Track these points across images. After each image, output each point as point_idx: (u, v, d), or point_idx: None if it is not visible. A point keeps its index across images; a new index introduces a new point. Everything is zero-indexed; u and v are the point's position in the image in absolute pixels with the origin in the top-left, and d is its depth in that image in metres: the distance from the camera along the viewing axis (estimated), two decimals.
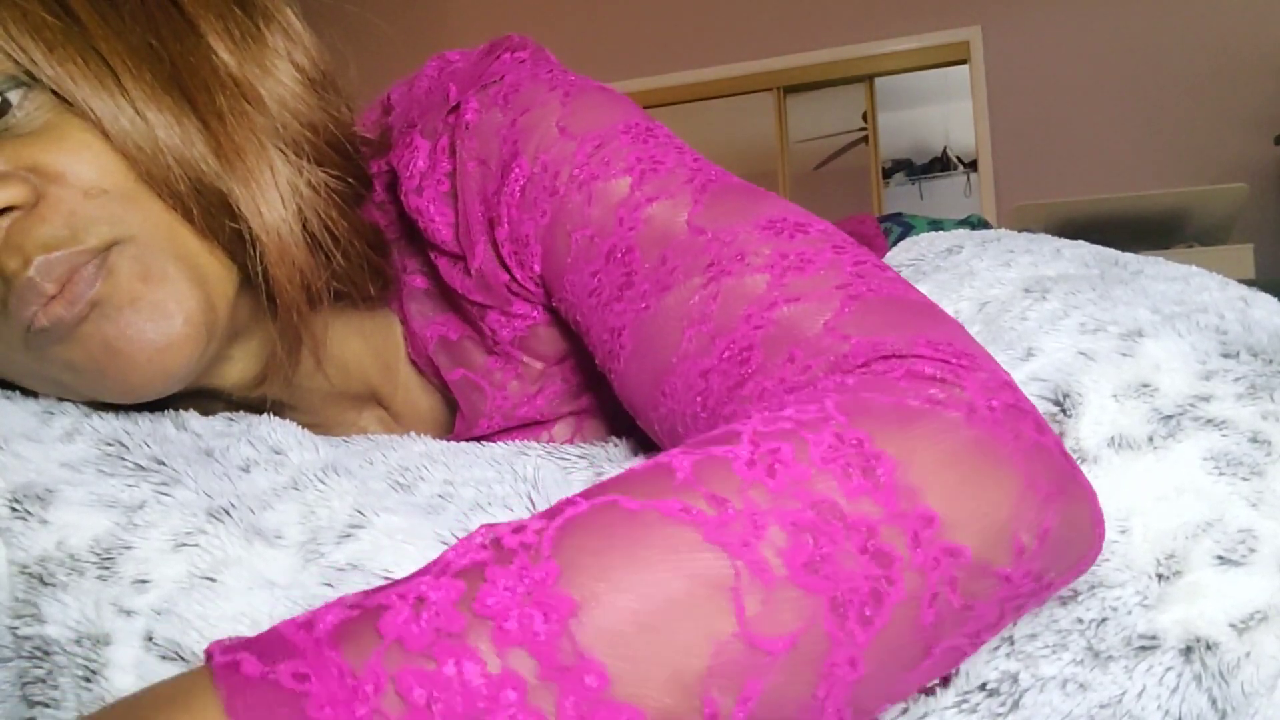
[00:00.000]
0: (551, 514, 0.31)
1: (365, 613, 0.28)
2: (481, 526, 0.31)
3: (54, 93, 0.43)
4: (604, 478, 0.51)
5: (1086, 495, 0.36)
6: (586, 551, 0.29)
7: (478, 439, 0.61)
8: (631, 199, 0.47)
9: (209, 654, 0.29)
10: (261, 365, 0.52)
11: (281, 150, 0.48)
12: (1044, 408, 0.43)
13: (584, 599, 0.28)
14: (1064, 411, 0.42)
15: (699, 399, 0.42)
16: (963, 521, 0.32)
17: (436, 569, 0.30)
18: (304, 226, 0.48)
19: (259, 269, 0.47)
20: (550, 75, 0.53)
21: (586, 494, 0.32)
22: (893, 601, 0.31)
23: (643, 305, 0.45)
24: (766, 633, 0.29)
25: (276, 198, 0.47)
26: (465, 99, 0.53)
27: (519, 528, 0.30)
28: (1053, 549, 0.34)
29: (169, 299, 0.45)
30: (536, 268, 0.52)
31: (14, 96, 0.43)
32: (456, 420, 0.62)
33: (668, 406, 0.45)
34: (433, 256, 0.56)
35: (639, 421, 0.49)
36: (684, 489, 0.31)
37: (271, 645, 0.28)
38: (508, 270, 0.53)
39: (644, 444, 0.56)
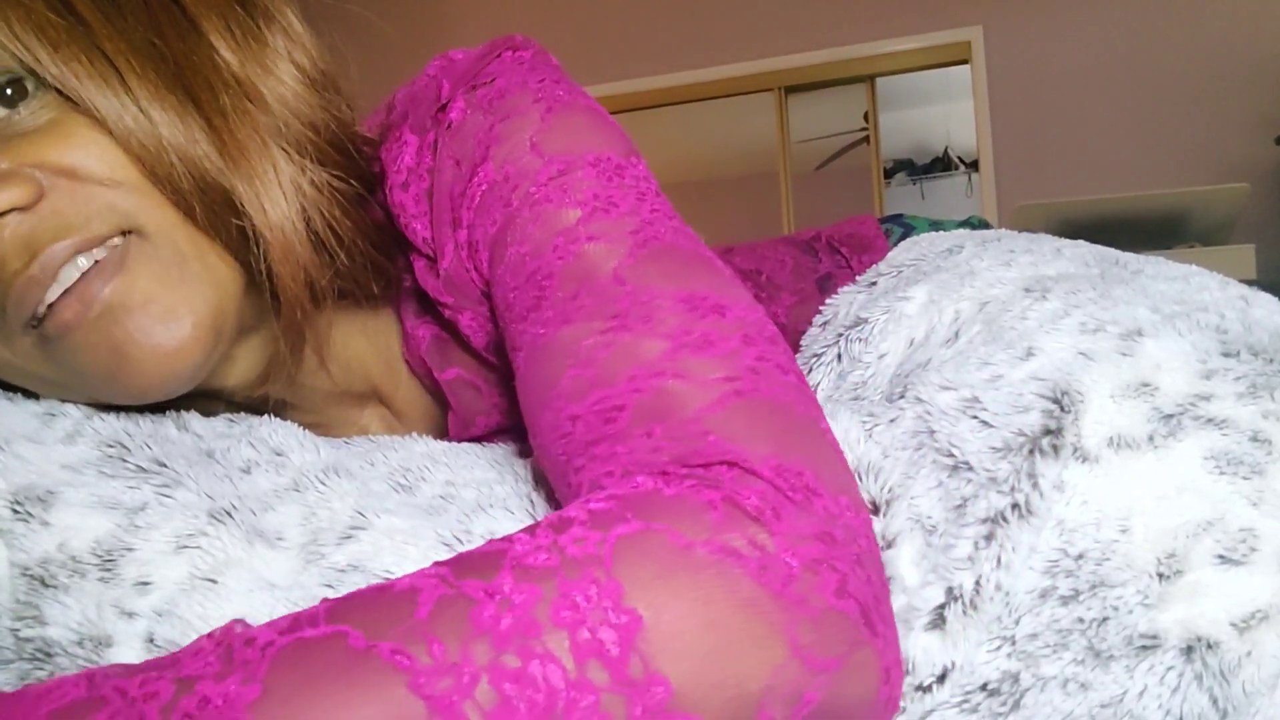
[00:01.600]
0: (292, 627, 0.31)
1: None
2: (231, 620, 0.32)
3: (58, 91, 0.44)
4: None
5: (878, 666, 0.35)
6: (294, 683, 0.29)
7: (477, 438, 0.61)
8: (573, 231, 0.46)
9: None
10: (265, 364, 0.52)
11: (284, 149, 0.48)
12: (1042, 405, 0.43)
13: None
14: (1063, 410, 0.42)
15: (562, 442, 0.42)
16: (700, 696, 0.31)
17: (171, 665, 0.31)
18: (307, 224, 0.48)
19: (263, 267, 0.47)
20: (540, 84, 0.52)
21: (331, 612, 0.32)
22: None
23: (540, 330, 0.45)
24: None
25: (280, 195, 0.47)
26: (453, 99, 0.53)
27: (250, 639, 0.31)
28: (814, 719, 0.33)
29: (181, 302, 0.45)
30: (485, 273, 0.52)
31: (15, 92, 0.43)
32: (449, 419, 0.62)
33: (539, 440, 0.45)
34: (411, 257, 0.56)
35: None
36: (411, 630, 0.30)
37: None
38: (468, 272, 0.53)
39: None
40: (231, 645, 0.31)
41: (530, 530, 0.35)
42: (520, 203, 0.48)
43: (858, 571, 0.35)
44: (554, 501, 0.48)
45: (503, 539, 0.34)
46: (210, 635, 0.31)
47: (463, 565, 0.33)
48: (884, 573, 0.38)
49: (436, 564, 0.34)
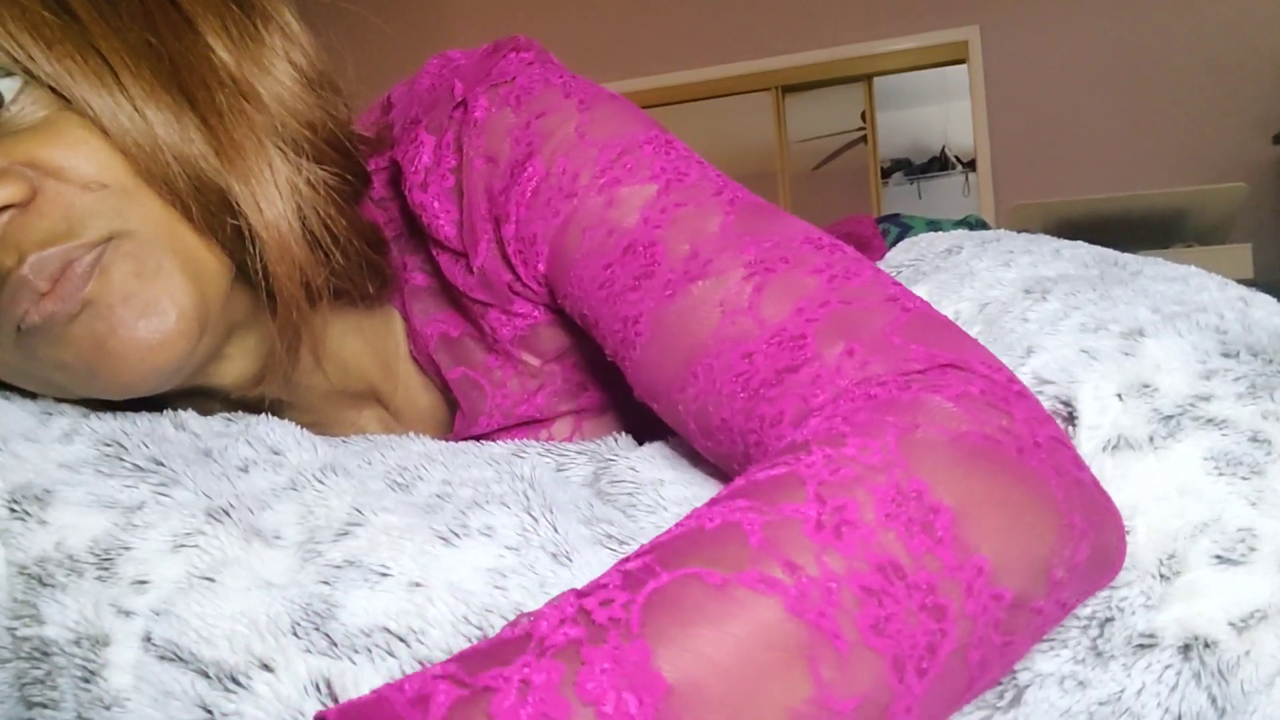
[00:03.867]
0: (632, 583, 0.32)
1: (475, 694, 0.29)
2: (568, 593, 0.32)
3: (52, 89, 0.43)
4: (607, 474, 0.51)
5: (1115, 525, 0.38)
6: (675, 628, 0.30)
7: (477, 438, 0.61)
8: (657, 203, 0.48)
9: (322, 718, 0.30)
10: (260, 364, 0.52)
11: (280, 148, 0.48)
12: (1047, 406, 0.43)
13: (676, 679, 0.29)
14: (1066, 409, 0.42)
15: (740, 379, 0.43)
16: (1009, 565, 0.34)
17: (535, 645, 0.30)
18: (303, 224, 0.48)
19: (258, 266, 0.47)
20: (563, 81, 0.53)
21: (662, 559, 0.32)
22: (945, 652, 0.32)
23: (667, 293, 0.46)
24: (839, 695, 0.31)
25: (275, 195, 0.47)
26: (473, 96, 0.53)
27: (605, 599, 0.31)
28: (1080, 579, 0.36)
29: (163, 295, 0.45)
30: (541, 267, 0.52)
31: (6, 88, 0.43)
32: (456, 419, 0.62)
33: (698, 387, 0.45)
34: (435, 253, 0.56)
35: (657, 406, 0.49)
36: (760, 557, 0.32)
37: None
38: (511, 268, 0.53)
39: (644, 440, 0.56)
40: (588, 611, 0.31)
41: (809, 456, 0.35)
42: (586, 190, 0.49)
43: (1075, 449, 0.39)
44: (553, 500, 0.48)
45: (779, 464, 0.36)
46: (540, 615, 0.31)
47: (760, 491, 0.34)
48: None
49: (722, 502, 0.35)
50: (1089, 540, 0.36)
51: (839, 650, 0.31)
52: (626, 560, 0.33)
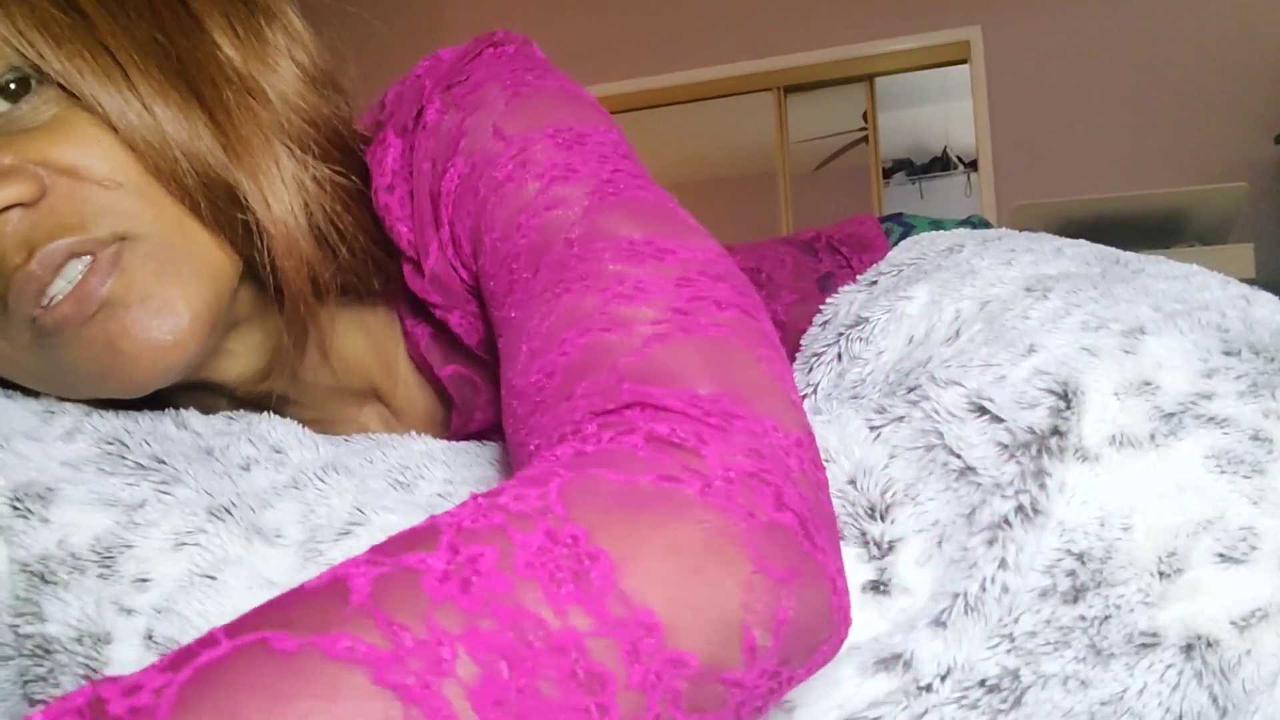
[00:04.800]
0: (179, 662, 0.25)
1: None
2: (88, 683, 0.26)
3: (61, 87, 0.44)
4: None
5: (825, 575, 0.33)
6: (218, 715, 0.24)
7: (477, 435, 0.61)
8: (533, 204, 0.46)
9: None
10: (267, 359, 0.53)
11: (286, 145, 0.48)
12: (1049, 401, 0.43)
13: None
14: (1068, 406, 0.42)
15: (511, 422, 0.41)
16: (688, 623, 0.29)
17: None
18: (309, 219, 0.48)
19: (266, 260, 0.47)
20: (512, 73, 0.51)
21: (230, 629, 0.26)
22: None
23: (512, 315, 0.44)
24: None
25: (283, 190, 0.47)
26: (429, 99, 0.53)
27: (133, 686, 0.24)
28: (789, 640, 0.32)
29: (178, 296, 0.45)
30: (472, 267, 0.51)
31: (19, 87, 0.43)
32: (453, 416, 0.62)
33: (506, 425, 0.43)
34: (400, 260, 0.56)
35: None
36: (356, 617, 0.26)
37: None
38: (454, 270, 0.53)
39: None
40: (103, 701, 0.24)
41: (458, 507, 0.31)
42: (487, 189, 0.48)
43: (789, 485, 0.34)
44: None
45: (426, 520, 0.31)
46: (57, 704, 0.25)
47: (391, 545, 0.29)
48: (823, 491, 0.36)
49: (348, 560, 0.29)
50: (791, 590, 0.31)
51: None
52: (186, 645, 0.27)
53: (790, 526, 0.33)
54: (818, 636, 0.33)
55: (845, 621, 0.35)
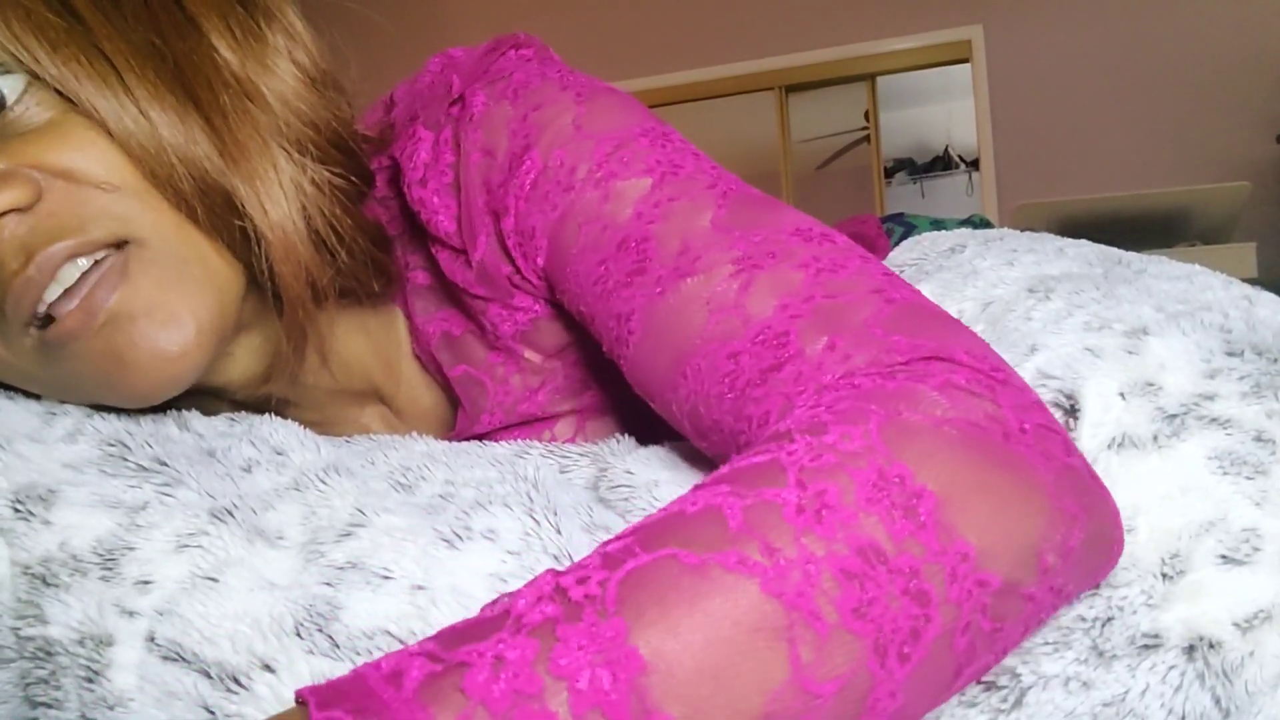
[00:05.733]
0: (611, 563, 0.32)
1: (448, 669, 0.29)
2: (546, 572, 0.32)
3: (57, 92, 0.43)
4: (605, 478, 0.51)
5: (1110, 512, 0.38)
6: (651, 606, 0.30)
7: (480, 436, 0.61)
8: (652, 197, 0.48)
9: (301, 699, 0.29)
10: (267, 363, 0.53)
11: (284, 148, 0.48)
12: (1049, 401, 0.43)
13: (651, 656, 0.29)
14: (1070, 407, 0.42)
15: (726, 380, 0.43)
16: (995, 551, 0.33)
17: (510, 622, 0.30)
18: (308, 224, 0.48)
19: (264, 266, 0.47)
20: (560, 75, 0.53)
21: (643, 541, 0.32)
22: (930, 637, 0.32)
23: (657, 290, 0.46)
24: (818, 677, 0.30)
25: (280, 195, 0.47)
26: (471, 92, 0.53)
27: (582, 577, 0.31)
28: (1075, 564, 0.36)
29: (183, 307, 0.45)
30: (540, 261, 0.52)
31: (8, 87, 0.43)
32: (458, 417, 0.62)
33: (688, 388, 0.45)
34: (434, 250, 0.56)
35: (654, 405, 0.49)
36: (739, 539, 0.32)
37: (364, 701, 0.29)
38: (511, 262, 0.53)
39: (647, 441, 0.56)
40: (564, 589, 0.31)
41: (792, 443, 0.35)
42: (583, 184, 0.49)
43: (1066, 434, 0.38)
44: (556, 503, 0.48)
45: (760, 452, 0.35)
46: (518, 594, 0.31)
47: (742, 478, 0.34)
48: None
49: (704, 487, 0.35)
50: (1081, 525, 0.36)
51: (818, 632, 0.30)
52: (608, 543, 0.33)
53: (1080, 469, 0.37)
54: (1098, 562, 0.38)
55: (1120, 548, 0.39)
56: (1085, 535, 0.36)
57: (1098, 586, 0.40)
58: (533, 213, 0.51)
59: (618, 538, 0.33)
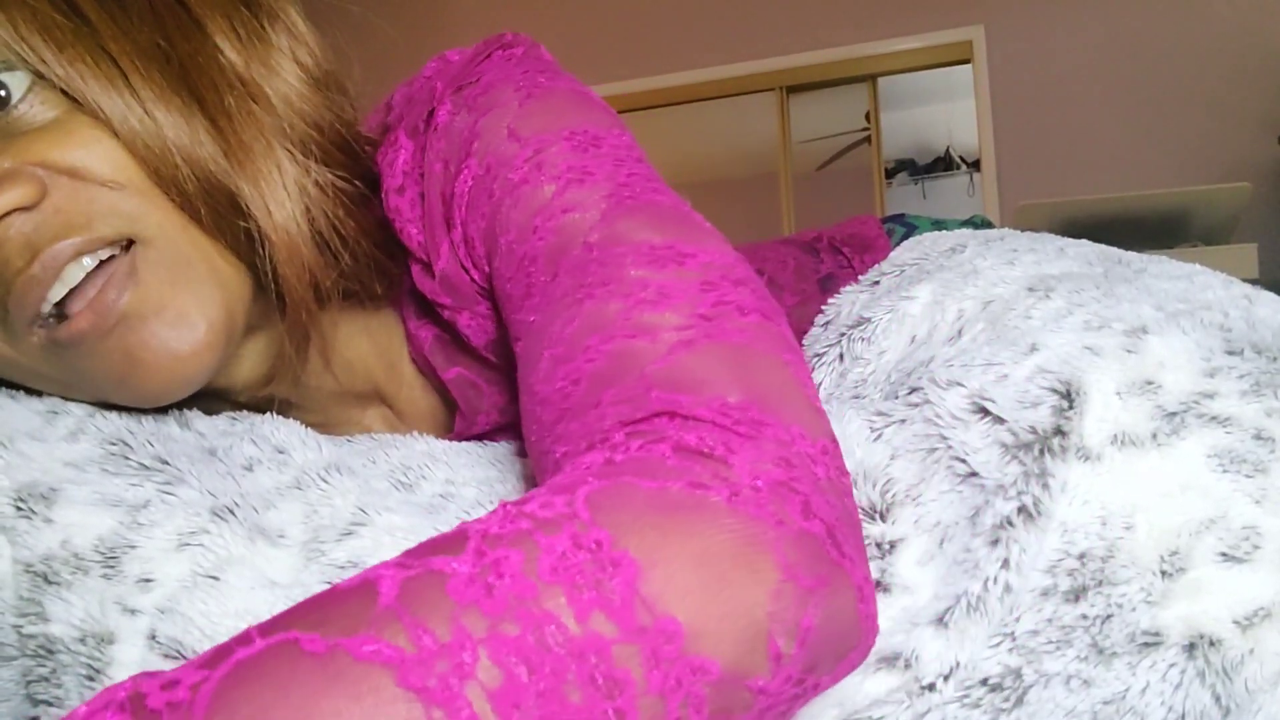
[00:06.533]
0: (217, 659, 0.27)
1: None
2: (132, 676, 0.27)
3: (62, 91, 0.44)
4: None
5: (852, 583, 0.34)
6: (249, 711, 0.25)
7: (479, 436, 0.62)
8: (549, 207, 0.46)
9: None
10: (270, 364, 0.53)
11: (288, 150, 0.48)
12: (1051, 400, 0.43)
13: None
14: (1071, 406, 0.42)
15: (535, 428, 0.41)
16: (711, 630, 0.29)
17: None
18: (312, 225, 0.48)
19: (268, 268, 0.47)
20: (523, 75, 0.52)
21: (266, 628, 0.27)
22: None
23: (531, 319, 0.44)
24: None
25: (284, 196, 0.47)
26: (440, 100, 0.53)
27: (171, 681, 0.26)
28: (815, 648, 0.32)
29: (193, 307, 0.45)
30: (486, 268, 0.51)
31: (13, 84, 0.43)
32: (456, 418, 0.62)
33: (527, 434, 0.43)
34: (409, 261, 0.56)
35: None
36: (383, 619, 0.27)
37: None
38: (466, 271, 0.53)
39: None
40: (142, 696, 0.25)
41: (488, 514, 0.32)
42: (502, 191, 0.48)
43: (817, 494, 0.34)
44: None
45: (458, 525, 0.32)
46: (101, 696, 0.26)
47: (419, 550, 0.30)
48: (849, 498, 0.37)
49: (378, 564, 0.30)
50: (817, 600, 0.31)
51: None
52: (222, 643, 0.28)
53: (819, 535, 0.33)
54: (845, 644, 0.33)
55: (872, 629, 0.35)
56: (822, 613, 0.32)
57: (1085, 581, 0.40)
58: (470, 221, 0.50)
59: (250, 627, 0.28)
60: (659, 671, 0.28)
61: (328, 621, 0.27)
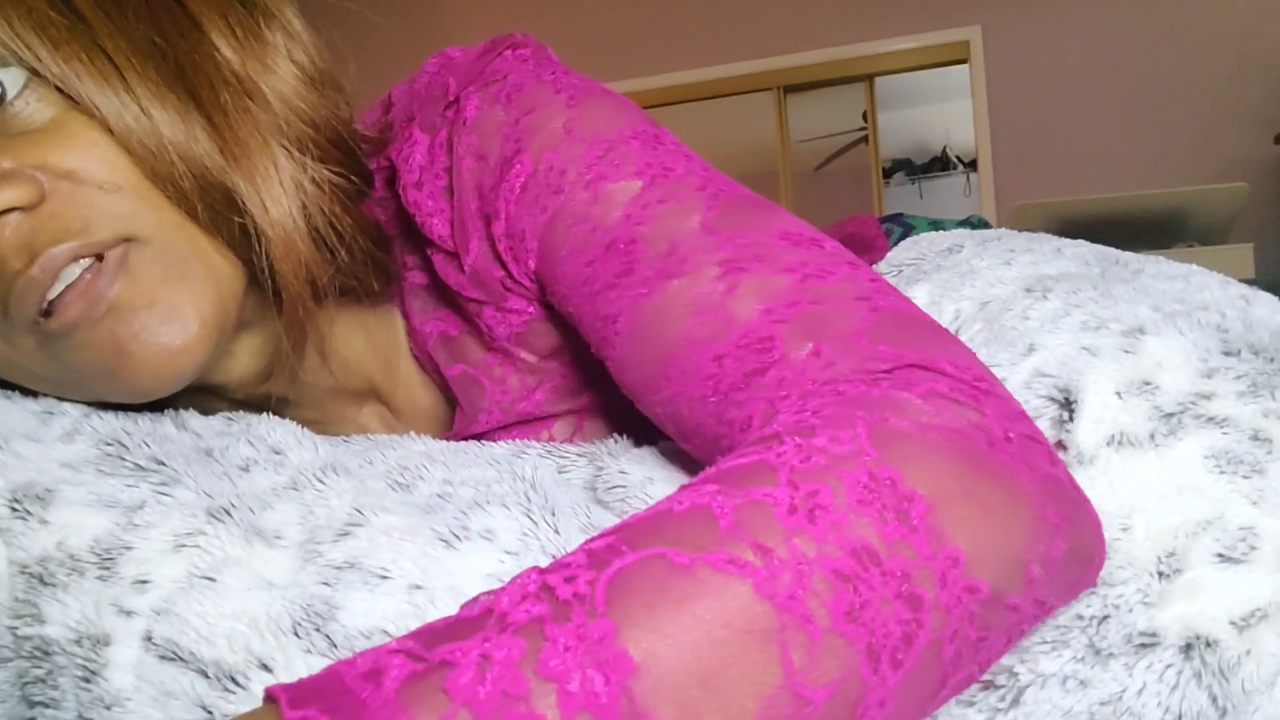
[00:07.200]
0: (598, 562, 0.31)
1: (430, 668, 0.28)
2: (529, 570, 0.31)
3: (58, 90, 0.43)
4: (601, 478, 0.51)
5: (1092, 523, 0.38)
6: (640, 607, 0.29)
7: (478, 436, 0.61)
8: (641, 199, 0.47)
9: (272, 696, 0.28)
10: (267, 361, 0.53)
11: (284, 147, 0.48)
12: (1048, 405, 0.43)
13: (642, 658, 0.28)
14: (1068, 408, 0.42)
15: (710, 383, 0.43)
16: (983, 557, 0.33)
17: (495, 621, 0.29)
18: (308, 222, 0.48)
19: (265, 265, 0.47)
20: (554, 77, 0.53)
21: (629, 539, 0.32)
22: (921, 643, 0.32)
23: (643, 291, 0.45)
24: (811, 682, 0.30)
25: (281, 193, 0.47)
26: (465, 95, 0.53)
27: (570, 576, 0.30)
28: (1058, 576, 0.36)
29: (185, 301, 0.45)
30: (532, 263, 0.52)
31: (8, 81, 0.43)
32: (456, 417, 0.62)
33: (671, 389, 0.45)
34: (429, 253, 0.56)
35: (639, 405, 0.49)
36: (729, 539, 0.31)
37: (340, 700, 0.28)
38: (503, 265, 0.53)
39: (645, 442, 0.56)
40: (551, 588, 0.30)
41: (778, 446, 0.35)
42: (572, 187, 0.49)
43: (1049, 445, 0.38)
44: (554, 503, 0.48)
45: (748, 453, 0.35)
46: (501, 592, 0.31)
47: (731, 478, 0.34)
48: None
49: (692, 487, 0.34)
50: (1064, 536, 0.35)
51: (810, 635, 0.30)
52: (591, 540, 0.32)
53: (1063, 479, 0.37)
54: (1079, 575, 0.37)
55: (1103, 558, 0.39)
56: (1068, 547, 0.36)
57: (1093, 588, 0.40)
58: (523, 216, 0.51)
59: (601, 535, 0.33)
60: (946, 591, 0.32)
61: (683, 539, 0.31)
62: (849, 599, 0.31)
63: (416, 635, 0.30)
